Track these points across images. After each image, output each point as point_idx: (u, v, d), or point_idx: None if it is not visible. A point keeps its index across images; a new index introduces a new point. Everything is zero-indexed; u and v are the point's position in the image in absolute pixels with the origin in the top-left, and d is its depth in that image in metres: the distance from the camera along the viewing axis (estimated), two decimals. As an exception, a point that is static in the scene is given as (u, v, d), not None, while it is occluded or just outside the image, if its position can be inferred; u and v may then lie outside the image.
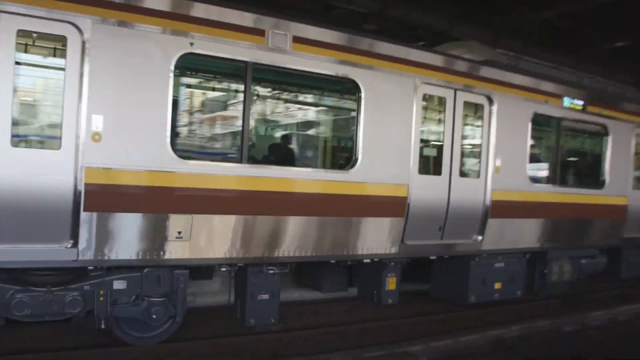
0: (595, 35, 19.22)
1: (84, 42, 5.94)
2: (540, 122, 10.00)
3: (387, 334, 9.09)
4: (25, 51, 6.07)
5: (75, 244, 6.05)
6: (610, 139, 11.15)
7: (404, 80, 8.09)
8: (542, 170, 10.46)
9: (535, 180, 9.97)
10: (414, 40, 16.86)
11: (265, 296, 7.72)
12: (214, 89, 8.13)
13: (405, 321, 9.59)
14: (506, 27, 17.93)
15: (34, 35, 5.98)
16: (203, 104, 8.02)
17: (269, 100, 8.28)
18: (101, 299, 6.48)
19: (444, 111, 8.80)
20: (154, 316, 6.78)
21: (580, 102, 10.54)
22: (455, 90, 8.75)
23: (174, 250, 6.60)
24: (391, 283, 8.87)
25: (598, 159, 11.28)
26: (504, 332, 9.76)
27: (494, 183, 9.19)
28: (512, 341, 9.64)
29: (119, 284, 6.56)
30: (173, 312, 6.92)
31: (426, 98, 8.54)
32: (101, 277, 6.46)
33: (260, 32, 6.94)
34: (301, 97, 8.79)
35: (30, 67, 6.22)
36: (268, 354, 7.83)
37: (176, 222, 6.57)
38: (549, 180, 10.44)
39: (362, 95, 7.74)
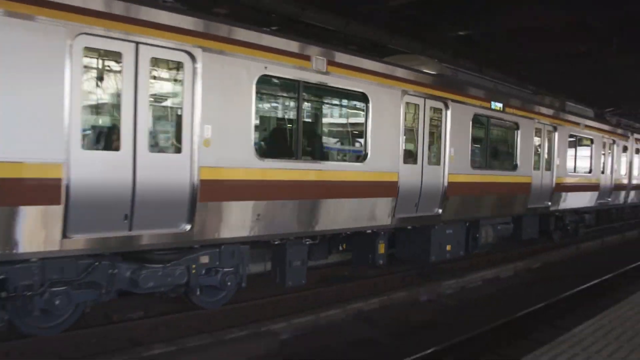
0: (441, 23, 20.17)
1: (195, 67, 7.55)
2: (477, 121, 13.13)
3: (252, 313, 9.07)
4: (154, 76, 7.61)
5: (192, 228, 7.63)
6: (519, 132, 14.48)
7: (395, 92, 10.63)
8: (478, 157, 13.66)
9: (474, 165, 12.99)
10: (266, 25, 16.76)
11: (299, 263, 9.72)
12: (276, 102, 10.47)
13: (270, 300, 9.61)
14: (357, 15, 18.29)
15: (161, 62, 7.58)
16: (271, 114, 10.31)
17: (313, 110, 10.75)
18: (194, 271, 8.00)
19: (417, 114, 11.42)
20: (228, 283, 8.53)
21: (501, 105, 13.62)
22: (425, 98, 11.43)
23: (253, 229, 8.50)
24: (381, 248, 11.31)
25: (512, 148, 14.65)
26: (363, 305, 10.09)
27: (449, 169, 11.97)
28: (371, 313, 9.98)
29: (204, 259, 8.19)
30: (240, 279, 8.71)
31: (407, 105, 11.05)
32: (192, 253, 8.04)
33: (307, 58, 9.08)
34: (333, 108, 11.54)
35: (159, 89, 7.97)
36: (125, 342, 7.50)
37: (257, 207, 8.50)
38: (483, 165, 13.59)
39: (370, 105, 10.13)
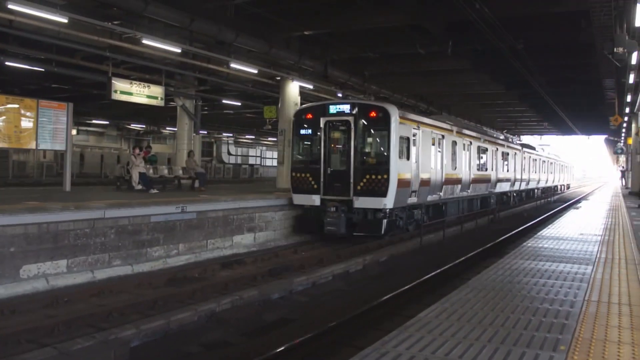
0: (284, 22, 20.48)
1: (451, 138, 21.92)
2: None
3: (97, 321, 8.68)
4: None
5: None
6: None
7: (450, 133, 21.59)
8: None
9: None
10: (108, 19, 16.12)
11: None
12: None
13: (115, 306, 9.27)
14: (202, 11, 18.13)
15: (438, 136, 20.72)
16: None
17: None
18: None
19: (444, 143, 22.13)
20: None
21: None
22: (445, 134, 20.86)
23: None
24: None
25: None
26: (215, 307, 9.99)
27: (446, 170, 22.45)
28: (224, 314, 9.91)
29: None
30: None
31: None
32: None
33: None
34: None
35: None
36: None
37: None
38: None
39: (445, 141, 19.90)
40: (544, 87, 29.77)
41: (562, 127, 53.93)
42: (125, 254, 12.91)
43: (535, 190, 44.73)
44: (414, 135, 18.65)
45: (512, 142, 36.90)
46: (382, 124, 17.31)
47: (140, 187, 18.98)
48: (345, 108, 17.74)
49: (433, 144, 20.50)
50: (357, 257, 15.33)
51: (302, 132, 18.69)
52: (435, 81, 31.44)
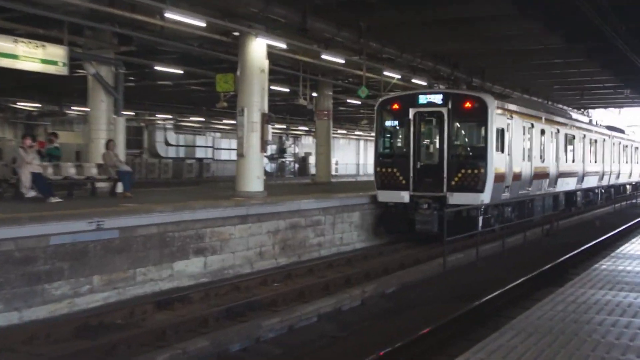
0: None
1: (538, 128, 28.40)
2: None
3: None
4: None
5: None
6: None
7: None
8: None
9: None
10: None
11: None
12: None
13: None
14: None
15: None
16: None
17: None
18: None
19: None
20: None
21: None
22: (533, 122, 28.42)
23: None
24: None
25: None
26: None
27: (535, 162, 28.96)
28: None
29: None
30: None
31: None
32: None
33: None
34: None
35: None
36: None
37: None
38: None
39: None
40: (624, 39, 29.56)
41: (653, 96, 54.07)
42: (9, 294, 12.63)
43: (627, 186, 46.21)
44: (508, 125, 23.40)
45: (599, 126, 39.17)
46: (479, 115, 22.14)
47: (34, 193, 18.73)
48: (437, 98, 22.63)
49: (523, 134, 25.66)
50: (353, 287, 15.26)
51: (388, 123, 23.97)
52: (461, 34, 31.08)
